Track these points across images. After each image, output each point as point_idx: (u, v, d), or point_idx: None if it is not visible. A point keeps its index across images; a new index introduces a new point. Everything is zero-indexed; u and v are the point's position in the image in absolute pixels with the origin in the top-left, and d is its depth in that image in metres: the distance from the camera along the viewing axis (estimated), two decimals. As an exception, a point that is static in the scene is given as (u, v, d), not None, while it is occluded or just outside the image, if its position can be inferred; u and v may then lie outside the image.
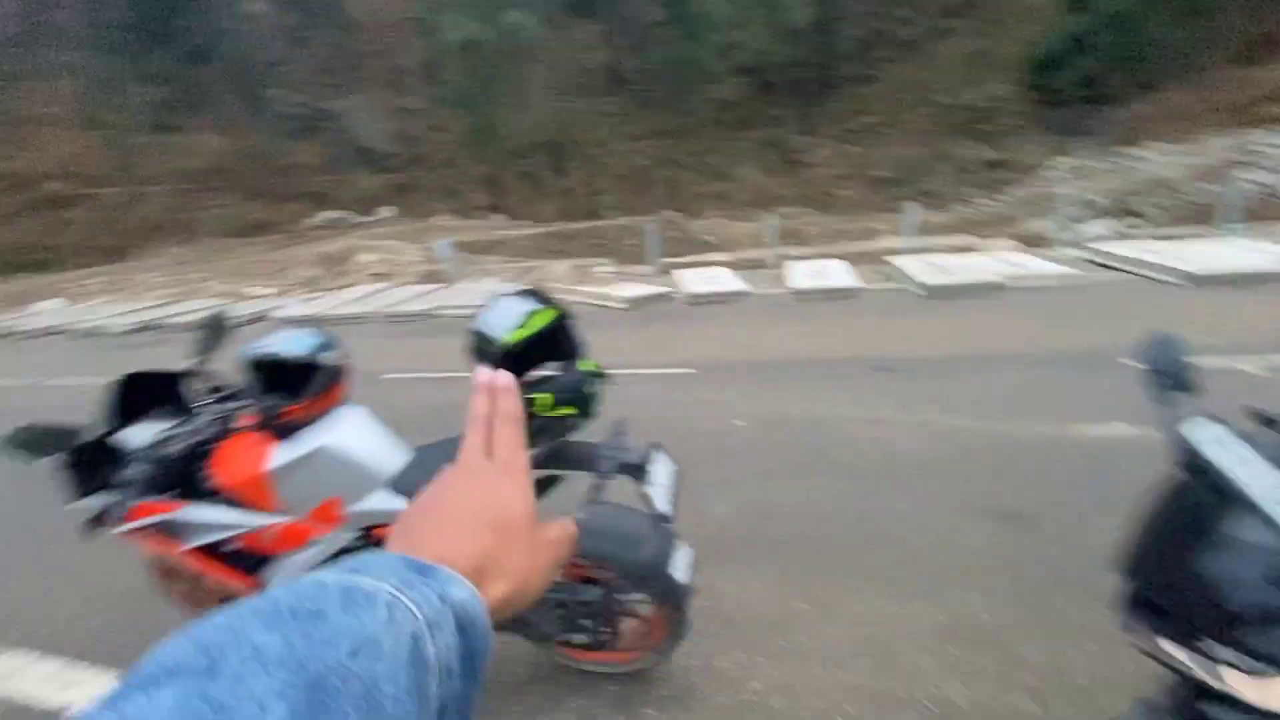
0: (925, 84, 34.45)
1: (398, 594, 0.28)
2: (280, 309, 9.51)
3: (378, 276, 12.06)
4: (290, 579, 0.29)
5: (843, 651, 2.05)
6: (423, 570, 0.31)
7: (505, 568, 0.36)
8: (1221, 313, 5.22)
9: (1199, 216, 11.62)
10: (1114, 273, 7.16)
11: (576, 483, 1.65)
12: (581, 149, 31.43)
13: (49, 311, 11.99)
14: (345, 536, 1.80)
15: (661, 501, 1.59)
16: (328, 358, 1.75)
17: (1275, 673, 0.86)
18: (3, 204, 25.08)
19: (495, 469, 0.40)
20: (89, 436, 1.71)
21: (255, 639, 0.25)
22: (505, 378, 0.45)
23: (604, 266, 10.39)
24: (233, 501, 1.78)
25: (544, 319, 1.49)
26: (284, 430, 1.72)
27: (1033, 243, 11.25)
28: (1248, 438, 0.96)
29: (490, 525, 0.37)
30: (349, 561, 0.30)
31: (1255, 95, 21.43)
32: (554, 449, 1.62)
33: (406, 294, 9.84)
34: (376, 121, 31.48)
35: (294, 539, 1.80)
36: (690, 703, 1.92)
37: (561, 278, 9.96)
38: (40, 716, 2.11)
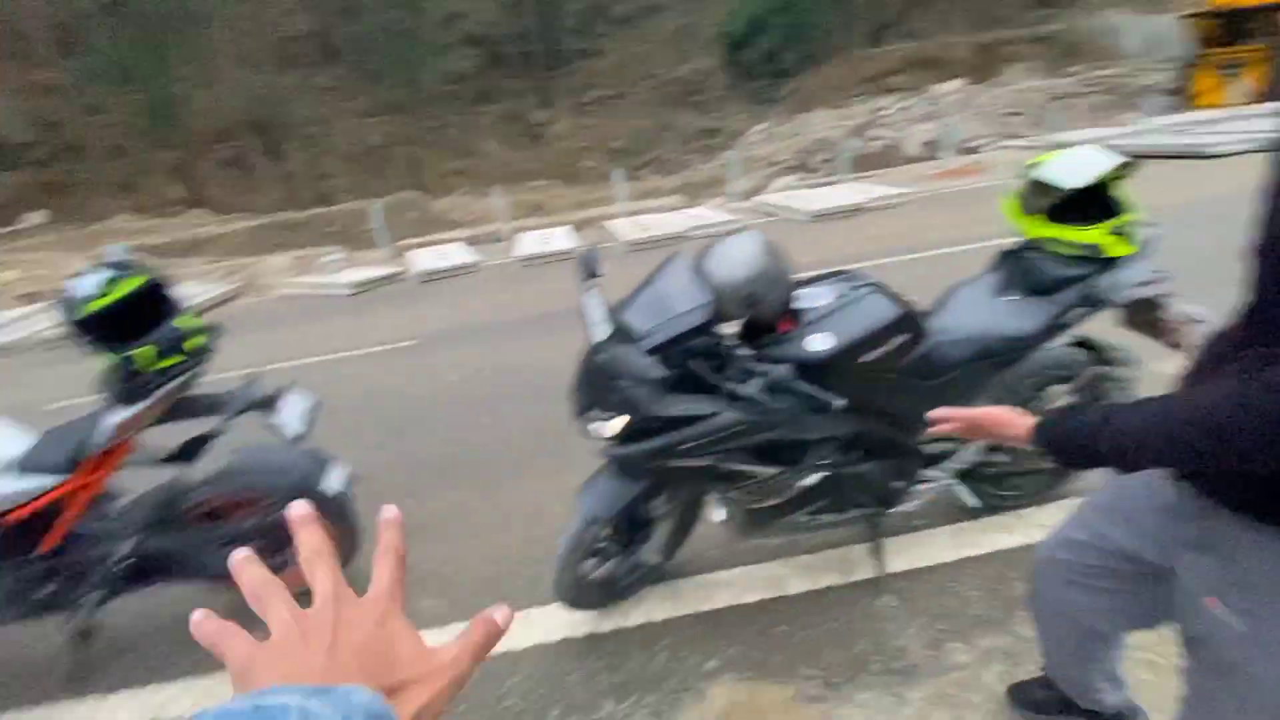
0: (645, 58, 37.28)
1: (305, 703, 0.27)
2: None
3: (25, 298, 9.76)
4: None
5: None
6: (320, 691, 0.28)
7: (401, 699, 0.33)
8: (827, 238, 6.97)
9: (855, 166, 14.72)
10: (768, 217, 8.93)
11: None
12: (298, 128, 28.07)
13: None
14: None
15: (291, 428, 1.89)
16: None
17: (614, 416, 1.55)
18: None
19: (368, 604, 0.36)
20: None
21: None
22: (302, 507, 0.39)
23: (332, 255, 9.75)
24: None
25: (128, 285, 1.61)
26: None
27: (732, 198, 13.27)
28: (605, 301, 1.65)
29: (377, 666, 0.33)
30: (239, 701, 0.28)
31: (882, 69, 27.32)
32: (180, 402, 1.80)
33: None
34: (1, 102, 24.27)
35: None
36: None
37: (280, 271, 9.16)
38: None
